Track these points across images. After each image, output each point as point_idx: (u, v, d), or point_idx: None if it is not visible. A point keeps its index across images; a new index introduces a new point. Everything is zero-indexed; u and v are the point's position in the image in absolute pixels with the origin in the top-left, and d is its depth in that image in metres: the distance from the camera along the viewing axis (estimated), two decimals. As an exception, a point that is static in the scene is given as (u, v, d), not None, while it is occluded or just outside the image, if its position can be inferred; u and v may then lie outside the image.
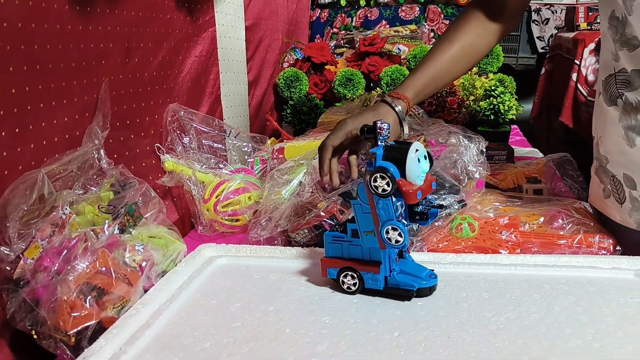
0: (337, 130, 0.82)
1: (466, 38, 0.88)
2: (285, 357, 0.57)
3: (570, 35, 2.28)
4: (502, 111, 1.48)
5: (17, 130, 0.67)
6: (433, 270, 0.70)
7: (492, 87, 1.50)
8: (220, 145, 1.20)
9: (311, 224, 0.89)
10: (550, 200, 0.95)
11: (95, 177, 0.80)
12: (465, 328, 0.60)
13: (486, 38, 0.89)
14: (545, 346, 0.56)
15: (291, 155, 1.15)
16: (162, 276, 0.75)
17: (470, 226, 0.86)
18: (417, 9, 2.14)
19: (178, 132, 1.08)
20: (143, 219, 0.80)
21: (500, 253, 0.83)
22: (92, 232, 0.71)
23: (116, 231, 0.74)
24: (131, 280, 0.69)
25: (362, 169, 0.86)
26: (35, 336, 0.63)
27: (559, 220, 0.87)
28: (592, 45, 2.02)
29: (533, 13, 3.27)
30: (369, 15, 2.19)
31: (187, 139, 1.10)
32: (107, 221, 0.74)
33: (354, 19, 2.21)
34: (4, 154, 0.66)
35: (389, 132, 0.67)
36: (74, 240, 0.68)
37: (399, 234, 0.64)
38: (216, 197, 1.03)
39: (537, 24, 3.29)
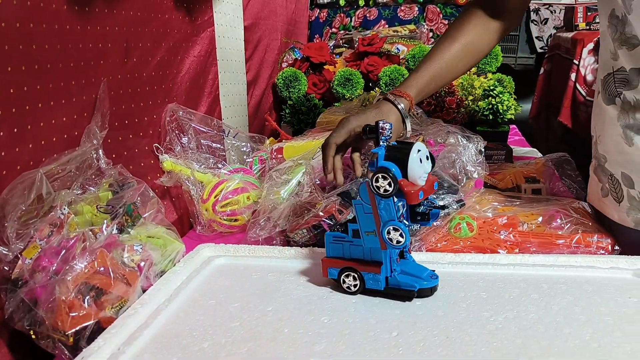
0: (340, 128, 0.82)
1: (467, 37, 0.88)
2: (284, 357, 0.57)
3: (569, 35, 2.28)
4: (501, 111, 1.48)
5: (15, 130, 0.67)
6: (434, 270, 0.70)
7: (491, 87, 1.50)
8: (218, 145, 1.19)
9: (310, 224, 0.89)
10: (548, 200, 0.96)
11: (93, 177, 0.79)
12: (464, 328, 0.61)
13: (487, 37, 0.90)
14: (544, 346, 0.56)
15: (290, 155, 1.15)
16: (161, 276, 0.75)
17: (468, 226, 0.86)
18: (416, 9, 2.14)
19: (177, 132, 1.08)
20: (141, 219, 0.80)
21: (499, 253, 0.83)
22: (90, 232, 0.70)
23: (115, 231, 0.74)
24: (129, 280, 0.69)
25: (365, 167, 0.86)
26: (33, 336, 0.63)
27: (558, 220, 0.87)
28: (590, 45, 2.02)
29: (532, 13, 3.28)
30: (367, 15, 2.18)
31: (186, 138, 1.10)
32: (105, 221, 0.74)
33: (353, 18, 2.21)
34: (2, 154, 0.66)
35: (390, 132, 0.67)
36: (73, 240, 0.68)
37: (401, 235, 0.64)
38: (215, 197, 1.03)
39: (536, 24, 3.30)
